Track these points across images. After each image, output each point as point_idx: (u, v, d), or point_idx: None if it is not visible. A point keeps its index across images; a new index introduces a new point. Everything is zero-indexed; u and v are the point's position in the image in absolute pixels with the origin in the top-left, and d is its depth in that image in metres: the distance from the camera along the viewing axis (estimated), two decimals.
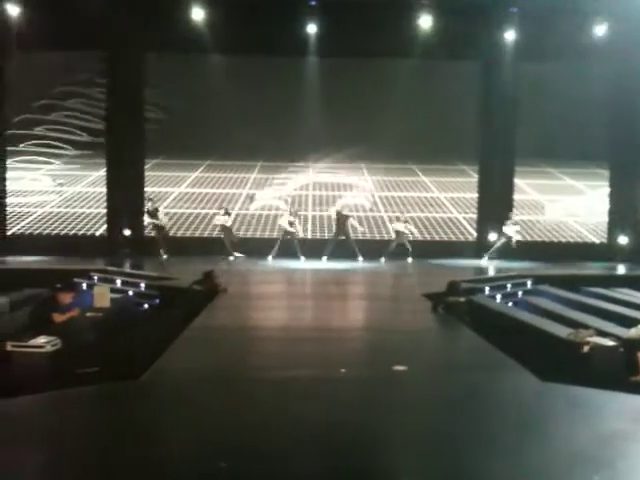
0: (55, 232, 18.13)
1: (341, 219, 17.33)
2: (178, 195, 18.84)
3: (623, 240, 17.83)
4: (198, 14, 15.57)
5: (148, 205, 17.29)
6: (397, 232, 17.47)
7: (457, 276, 13.14)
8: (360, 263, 16.89)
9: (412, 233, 17.73)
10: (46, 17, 15.46)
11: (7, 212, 18.05)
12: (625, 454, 5.10)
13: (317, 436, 5.48)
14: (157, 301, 12.94)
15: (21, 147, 18.07)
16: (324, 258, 17.02)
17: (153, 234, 17.34)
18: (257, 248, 17.24)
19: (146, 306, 13.03)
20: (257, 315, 11.00)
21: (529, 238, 18.66)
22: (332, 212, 17.83)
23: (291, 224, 17.09)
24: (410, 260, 17.14)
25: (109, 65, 17.45)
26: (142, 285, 13.52)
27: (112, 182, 17.96)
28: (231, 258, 16.91)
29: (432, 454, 5.19)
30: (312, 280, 14.81)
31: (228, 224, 17.30)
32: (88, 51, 17.21)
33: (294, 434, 5.52)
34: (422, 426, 5.84)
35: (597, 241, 18.76)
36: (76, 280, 13.25)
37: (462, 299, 11.07)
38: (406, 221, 17.59)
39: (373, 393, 6.65)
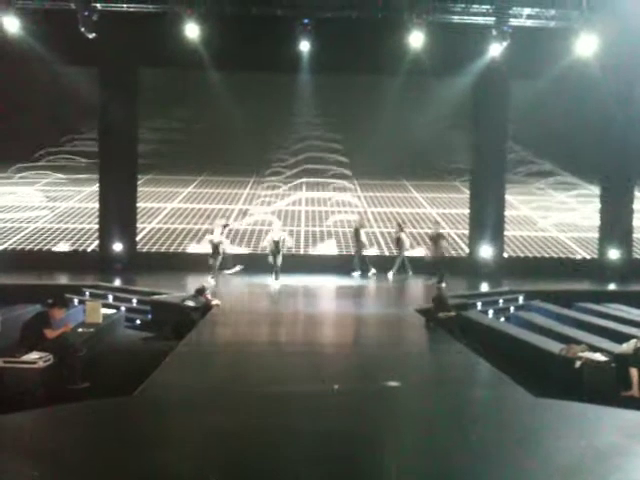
0: (47, 247, 18.09)
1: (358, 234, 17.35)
2: (170, 210, 18.83)
3: (614, 255, 17.92)
4: (192, 31, 15.66)
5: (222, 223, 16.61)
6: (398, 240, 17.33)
7: (449, 291, 13.21)
8: (355, 278, 16.88)
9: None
10: (40, 32, 15.59)
11: None
12: (619, 469, 5.12)
13: (311, 450, 5.48)
14: (149, 317, 12.93)
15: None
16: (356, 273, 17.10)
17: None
18: (250, 263, 17.17)
19: (138, 322, 13.00)
20: (249, 331, 10.98)
21: (520, 254, 18.74)
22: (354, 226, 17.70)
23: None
24: (410, 273, 16.97)
25: (102, 80, 17.47)
26: (134, 301, 13.50)
27: (105, 197, 17.96)
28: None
29: (428, 469, 5.19)
30: (305, 295, 14.80)
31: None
32: (81, 66, 17.20)
33: (290, 449, 5.51)
34: (416, 442, 5.84)
35: (588, 256, 18.86)
36: (68, 296, 13.20)
37: (452, 313, 11.13)
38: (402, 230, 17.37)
39: (366, 409, 6.64)
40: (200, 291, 12.42)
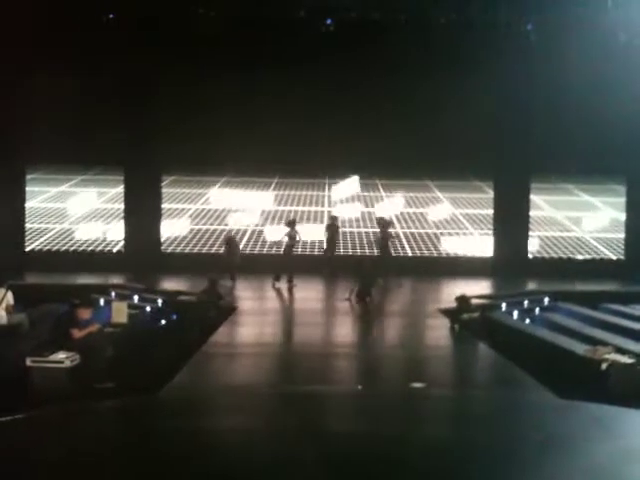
0: (73, 248, 18.30)
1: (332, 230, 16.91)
2: (195, 212, 18.97)
3: None
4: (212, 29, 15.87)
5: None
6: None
7: (471, 292, 13.12)
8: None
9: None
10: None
11: (26, 228, 18.23)
12: None
13: (334, 451, 5.49)
14: (174, 317, 13.00)
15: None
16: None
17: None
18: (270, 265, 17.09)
19: (163, 322, 13.08)
20: (271, 331, 11.02)
21: (545, 255, 18.57)
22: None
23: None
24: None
25: (123, 78, 17.55)
26: (159, 301, 13.59)
27: (130, 199, 18.11)
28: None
29: (454, 470, 5.18)
30: (323, 297, 14.79)
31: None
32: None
33: (312, 450, 5.53)
34: (443, 443, 5.82)
35: (614, 257, 18.63)
36: (94, 296, 13.33)
37: (476, 314, 11.08)
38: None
39: (392, 409, 6.64)
40: (213, 281, 12.53)
